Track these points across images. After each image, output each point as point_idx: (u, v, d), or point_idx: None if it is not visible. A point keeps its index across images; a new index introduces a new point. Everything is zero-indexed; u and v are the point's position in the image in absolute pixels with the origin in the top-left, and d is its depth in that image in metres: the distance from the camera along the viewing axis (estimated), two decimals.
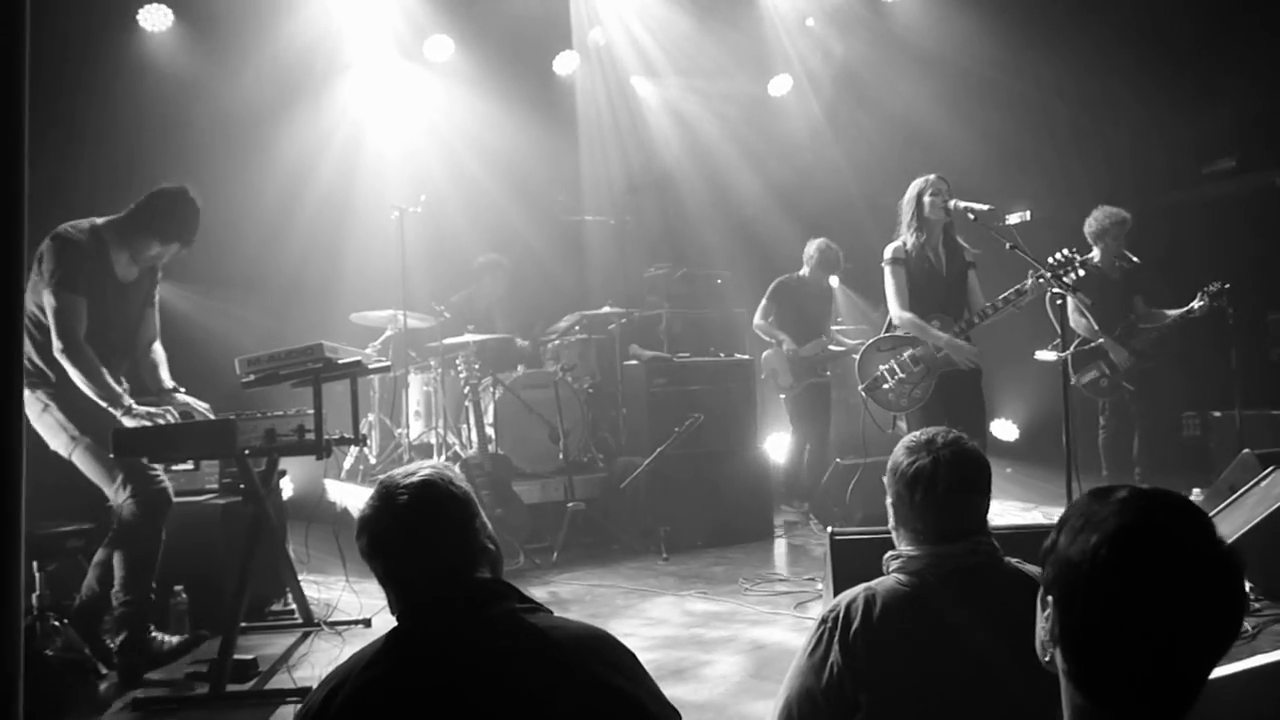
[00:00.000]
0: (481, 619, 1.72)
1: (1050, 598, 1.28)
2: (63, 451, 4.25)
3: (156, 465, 4.35)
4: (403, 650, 1.70)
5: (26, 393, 4.19)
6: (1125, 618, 1.19)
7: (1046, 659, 1.32)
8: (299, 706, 1.73)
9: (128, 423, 4.10)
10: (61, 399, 4.21)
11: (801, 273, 7.67)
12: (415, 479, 1.82)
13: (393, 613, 1.80)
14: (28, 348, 4.23)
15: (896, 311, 5.34)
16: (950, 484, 2.12)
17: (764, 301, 7.62)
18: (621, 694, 1.67)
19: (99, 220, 4.39)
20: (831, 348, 7.65)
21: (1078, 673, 1.26)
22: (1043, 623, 1.31)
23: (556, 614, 1.81)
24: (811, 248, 7.63)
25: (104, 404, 4.14)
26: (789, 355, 7.50)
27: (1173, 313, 6.69)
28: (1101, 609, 1.21)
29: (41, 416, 4.23)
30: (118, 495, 4.22)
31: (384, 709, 1.63)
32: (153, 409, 4.24)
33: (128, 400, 4.20)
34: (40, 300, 4.20)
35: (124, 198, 4.51)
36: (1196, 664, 1.21)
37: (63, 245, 4.23)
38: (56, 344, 4.15)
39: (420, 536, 1.78)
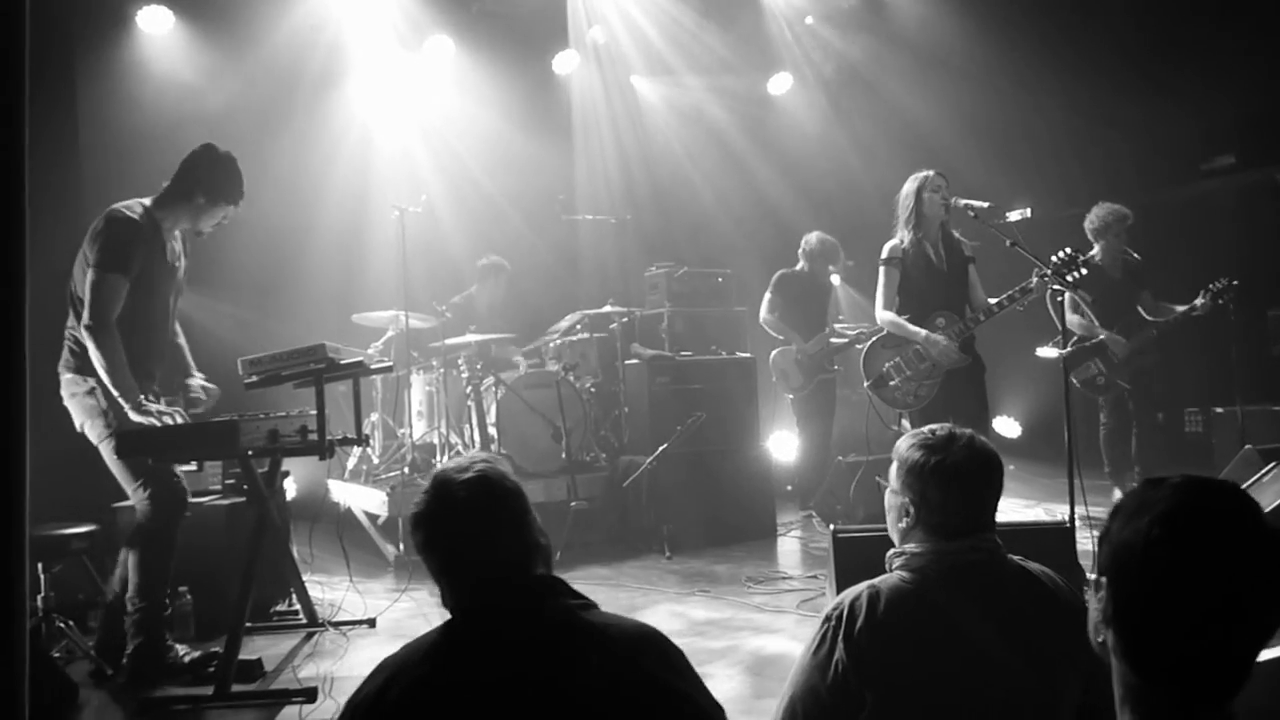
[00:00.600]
0: (537, 615, 1.73)
1: (1103, 579, 1.33)
2: (93, 437, 4.24)
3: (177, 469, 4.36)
4: (460, 645, 1.71)
5: (72, 374, 4.23)
6: (1176, 595, 1.24)
7: (1099, 640, 1.35)
8: (349, 696, 1.72)
9: (134, 417, 4.09)
10: (106, 386, 4.17)
11: (799, 267, 7.68)
12: (471, 474, 1.82)
13: (445, 606, 1.80)
14: (78, 333, 4.23)
15: (878, 311, 5.34)
16: (977, 480, 2.13)
17: (768, 295, 7.62)
18: (675, 690, 1.68)
19: (146, 201, 4.39)
20: (834, 340, 7.66)
21: (1130, 651, 1.30)
22: (1095, 605, 1.35)
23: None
24: (810, 239, 7.63)
25: (115, 392, 4.11)
26: (797, 355, 7.50)
27: (1179, 308, 6.69)
28: (1153, 586, 1.26)
29: (84, 399, 4.22)
30: (136, 494, 4.23)
31: (441, 704, 1.64)
32: (163, 409, 4.24)
33: (139, 395, 4.17)
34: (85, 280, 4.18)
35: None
36: (1246, 642, 1.25)
37: (119, 225, 4.22)
38: (85, 318, 4.10)
39: (477, 530, 1.79)
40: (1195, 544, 1.24)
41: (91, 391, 4.21)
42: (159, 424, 4.10)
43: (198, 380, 4.67)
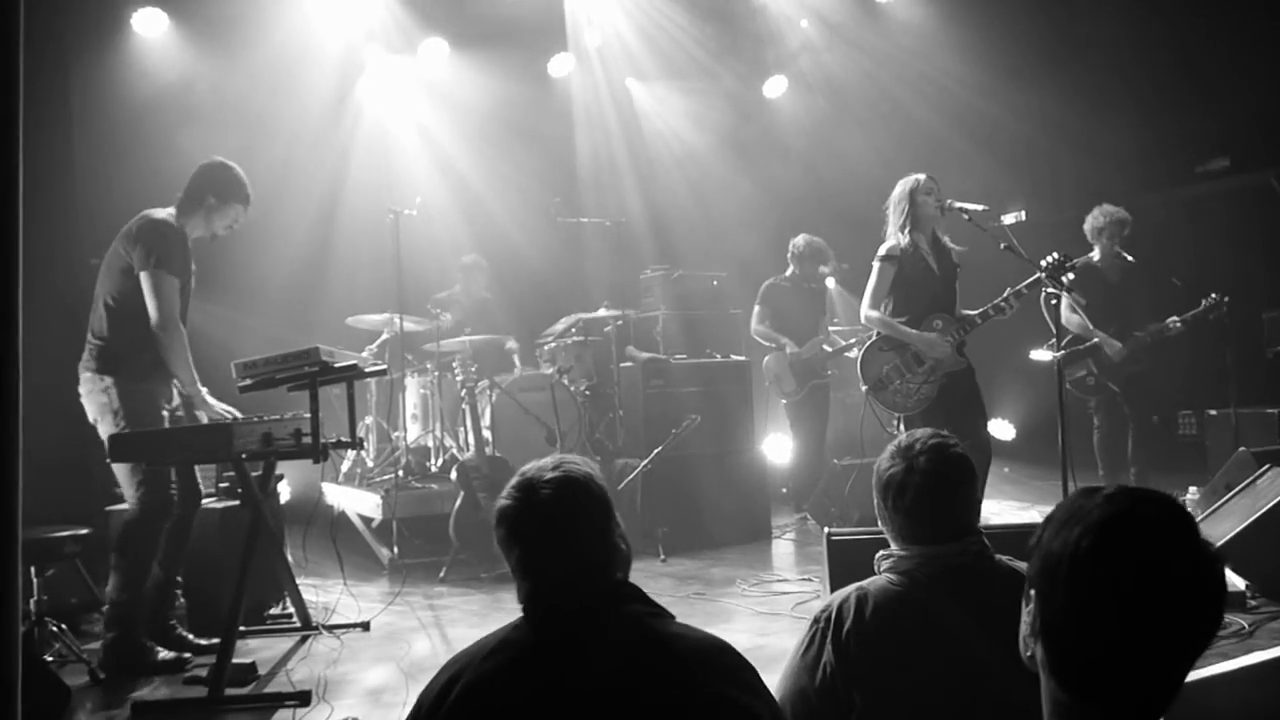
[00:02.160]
0: (607, 621, 1.72)
1: (1033, 591, 1.29)
2: (103, 433, 4.34)
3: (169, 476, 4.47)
4: (526, 645, 1.70)
5: (91, 373, 4.36)
6: (1103, 610, 1.19)
7: (1028, 654, 1.31)
8: (423, 691, 1.73)
9: (211, 403, 4.39)
10: (122, 387, 4.33)
11: (788, 272, 7.68)
12: (558, 474, 1.79)
13: (519, 601, 1.78)
14: (105, 328, 4.38)
15: (864, 309, 5.29)
16: (921, 492, 2.12)
17: (756, 306, 7.65)
18: (741, 707, 1.65)
19: (171, 209, 4.55)
20: (826, 347, 7.66)
21: (1057, 666, 1.26)
22: (1026, 618, 1.31)
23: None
24: (798, 242, 7.64)
25: (185, 387, 4.36)
26: (791, 360, 7.49)
27: (1154, 329, 6.75)
28: (1080, 601, 1.21)
29: (98, 396, 4.34)
30: (130, 494, 4.34)
31: (499, 703, 1.63)
32: (216, 402, 4.47)
33: (203, 390, 4.42)
34: (131, 280, 4.33)
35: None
36: (1173, 660, 1.21)
37: (164, 229, 4.41)
38: (154, 319, 4.27)
39: (557, 532, 1.76)
40: (1122, 559, 1.19)
41: (106, 390, 4.33)
42: (230, 418, 4.38)
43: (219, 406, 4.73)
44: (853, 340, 7.76)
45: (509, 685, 1.64)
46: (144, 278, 4.28)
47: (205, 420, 4.48)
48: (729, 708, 1.64)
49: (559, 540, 1.76)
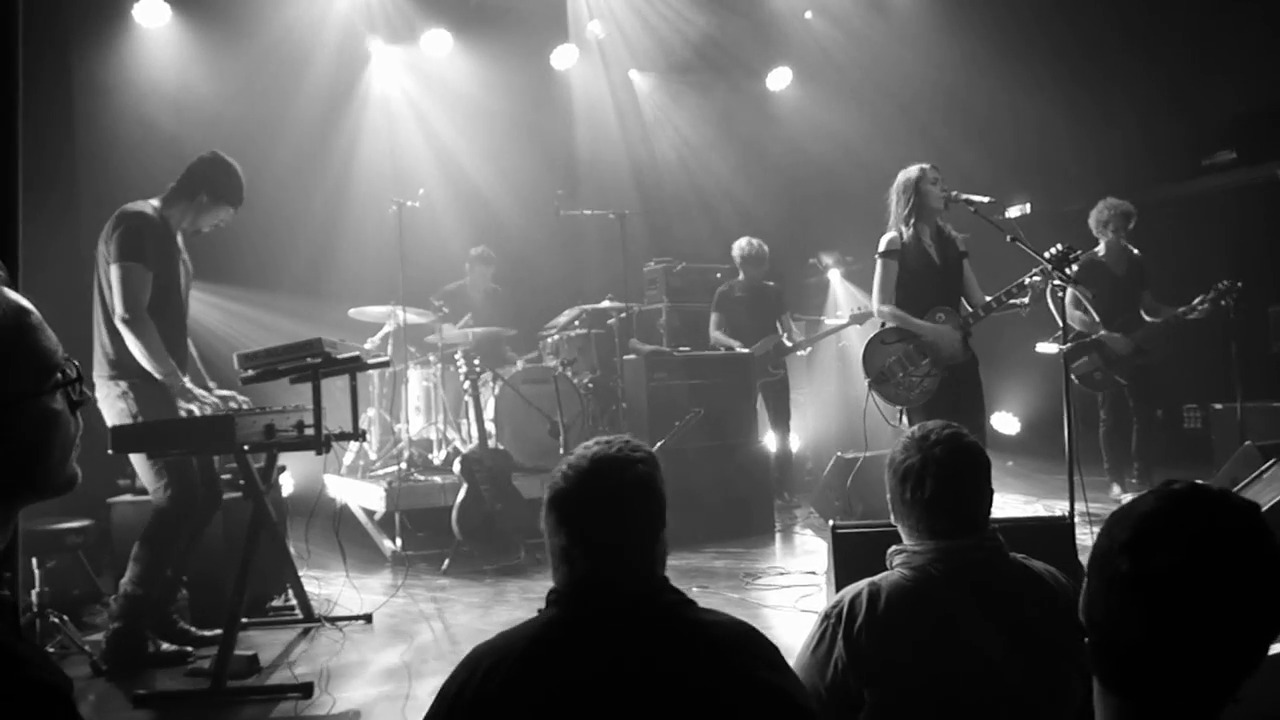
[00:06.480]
0: (646, 612, 1.71)
1: (1083, 582, 1.29)
2: None
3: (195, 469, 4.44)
4: (567, 634, 1.68)
5: (107, 380, 4.30)
6: (1129, 609, 1.16)
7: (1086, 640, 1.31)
8: (446, 683, 1.68)
9: (180, 402, 4.20)
10: (139, 391, 4.29)
11: (739, 277, 7.71)
12: (627, 468, 1.78)
13: (555, 583, 1.76)
14: (105, 331, 4.33)
15: (877, 305, 5.30)
16: (939, 483, 2.11)
17: (713, 314, 7.69)
18: (774, 689, 1.67)
19: (154, 201, 4.48)
20: (787, 342, 7.68)
21: (1093, 657, 1.25)
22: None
23: None
24: (737, 248, 7.67)
25: (159, 377, 4.22)
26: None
27: (1179, 310, 6.70)
28: (1109, 597, 1.19)
29: (116, 402, 4.29)
30: (156, 492, 4.32)
31: (545, 693, 1.61)
32: (204, 394, 4.35)
33: (182, 378, 4.30)
34: (109, 277, 4.27)
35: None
36: (1229, 658, 1.16)
37: (131, 220, 4.31)
38: (118, 311, 4.20)
39: (619, 527, 1.75)
40: (1158, 558, 1.14)
41: (124, 395, 4.29)
42: (201, 410, 4.20)
43: (223, 393, 4.71)
44: (803, 339, 7.84)
45: (551, 675, 1.62)
46: (113, 271, 4.23)
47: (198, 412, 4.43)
48: (762, 689, 1.65)
49: (612, 538, 1.74)
